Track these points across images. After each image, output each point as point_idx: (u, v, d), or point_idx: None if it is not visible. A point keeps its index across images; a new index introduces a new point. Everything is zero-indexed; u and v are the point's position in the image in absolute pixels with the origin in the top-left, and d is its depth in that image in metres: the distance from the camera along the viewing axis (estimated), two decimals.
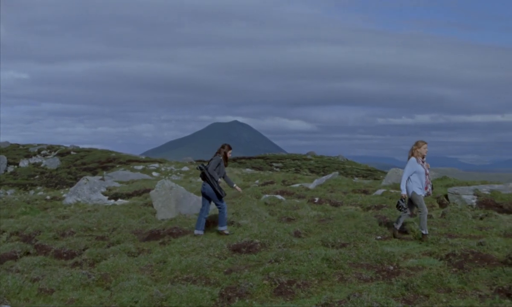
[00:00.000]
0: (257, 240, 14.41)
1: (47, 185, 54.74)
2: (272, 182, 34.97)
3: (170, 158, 72.70)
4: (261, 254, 13.42)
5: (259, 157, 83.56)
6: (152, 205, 21.28)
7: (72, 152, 69.72)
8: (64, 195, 32.28)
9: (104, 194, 31.21)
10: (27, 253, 15.66)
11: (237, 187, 17.19)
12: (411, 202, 15.09)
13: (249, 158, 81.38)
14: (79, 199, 28.42)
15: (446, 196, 21.84)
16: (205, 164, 16.85)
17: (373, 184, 30.97)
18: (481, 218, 17.57)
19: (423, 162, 14.96)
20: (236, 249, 14.08)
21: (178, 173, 49.02)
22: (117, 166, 57.81)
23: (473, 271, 11.26)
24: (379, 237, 15.40)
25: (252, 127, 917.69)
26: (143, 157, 72.22)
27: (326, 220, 17.95)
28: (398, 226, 15.38)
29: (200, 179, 19.02)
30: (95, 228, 18.61)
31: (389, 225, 16.34)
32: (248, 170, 56.69)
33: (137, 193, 30.90)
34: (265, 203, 22.66)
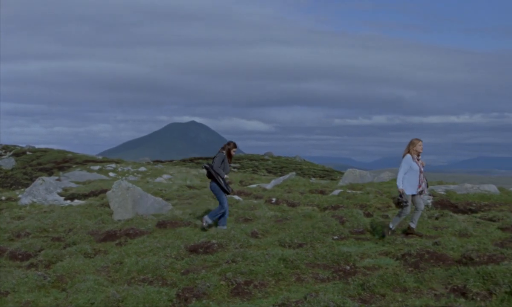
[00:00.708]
0: (214, 241, 14.38)
1: (2, 186, 54.00)
2: (229, 183, 35.00)
3: (127, 159, 72.35)
4: (218, 255, 13.39)
5: None
6: (108, 206, 21.11)
7: (27, 152, 68.81)
8: (20, 195, 31.82)
9: (60, 194, 30.91)
10: None
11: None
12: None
13: (206, 159, 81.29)
14: (34, 200, 28.07)
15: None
16: (210, 163, 16.98)
17: (330, 185, 31.16)
18: (436, 218, 17.77)
19: (418, 160, 15.09)
20: (193, 250, 14.04)
21: (135, 174, 48.83)
22: (74, 166, 57.31)
23: (429, 270, 11.39)
24: (336, 237, 15.48)
25: (210, 128, 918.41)
26: (100, 157, 71.68)
27: (283, 221, 17.98)
28: (413, 225, 15.41)
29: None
30: (51, 229, 18.40)
31: (345, 225, 16.45)
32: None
33: (94, 194, 30.70)
34: None
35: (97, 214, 21.05)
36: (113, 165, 54.33)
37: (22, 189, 40.85)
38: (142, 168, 51.68)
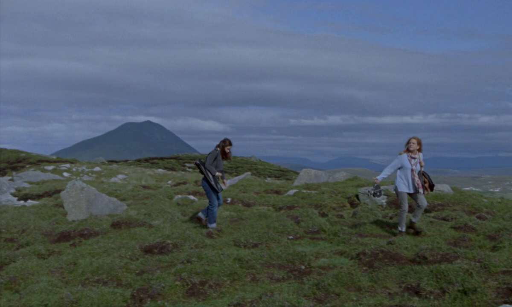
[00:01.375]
0: (169, 241, 14.33)
1: None
2: (184, 183, 34.97)
3: (81, 159, 71.77)
4: (173, 255, 13.35)
5: (171, 158, 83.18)
6: (63, 206, 20.90)
7: None
8: None
9: (14, 195, 30.55)
10: None
11: (225, 182, 17.58)
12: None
13: (162, 159, 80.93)
14: None
15: (357, 196, 22.24)
16: (202, 160, 17.10)
17: (285, 185, 31.28)
18: (390, 218, 17.96)
19: (413, 158, 15.14)
20: (148, 250, 13.98)
21: (90, 174, 48.46)
22: (27, 166, 56.60)
23: (383, 269, 11.49)
24: (291, 237, 15.55)
25: (165, 127, 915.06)
26: (54, 157, 70.95)
27: (238, 221, 18.01)
28: (415, 220, 15.52)
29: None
30: (3, 230, 18.15)
31: (300, 224, 16.54)
32: (161, 170, 56.50)
33: (48, 194, 30.37)
34: (178, 204, 22.64)
35: (51, 214, 20.83)
36: (68, 165, 53.84)
37: None
38: (97, 168, 51.32)
